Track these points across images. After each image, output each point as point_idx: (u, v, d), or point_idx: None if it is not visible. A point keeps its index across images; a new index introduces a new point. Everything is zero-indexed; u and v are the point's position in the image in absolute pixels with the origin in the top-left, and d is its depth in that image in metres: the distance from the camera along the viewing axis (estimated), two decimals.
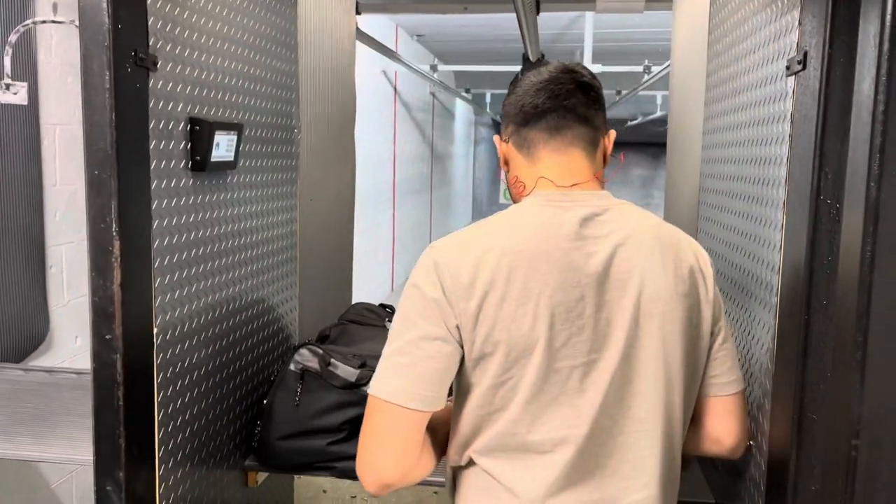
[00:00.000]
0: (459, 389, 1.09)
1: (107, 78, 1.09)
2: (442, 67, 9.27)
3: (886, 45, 0.80)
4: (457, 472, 1.14)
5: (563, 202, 1.08)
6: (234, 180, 1.54)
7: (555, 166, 1.11)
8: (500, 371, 1.03)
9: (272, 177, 1.74)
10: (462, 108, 14.05)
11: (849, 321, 0.86)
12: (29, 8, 2.18)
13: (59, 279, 2.39)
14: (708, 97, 1.72)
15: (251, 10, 1.58)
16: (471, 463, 1.09)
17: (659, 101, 10.70)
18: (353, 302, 2.27)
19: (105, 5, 1.08)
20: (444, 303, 1.02)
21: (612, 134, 1.17)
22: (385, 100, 7.80)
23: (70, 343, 2.44)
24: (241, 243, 1.60)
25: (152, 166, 1.22)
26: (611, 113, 12.77)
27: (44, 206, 2.30)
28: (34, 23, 1.70)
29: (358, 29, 4.92)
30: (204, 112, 1.39)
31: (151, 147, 1.22)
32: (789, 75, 1.10)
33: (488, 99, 13.00)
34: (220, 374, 1.55)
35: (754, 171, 1.29)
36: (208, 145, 1.36)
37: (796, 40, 1.08)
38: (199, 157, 1.35)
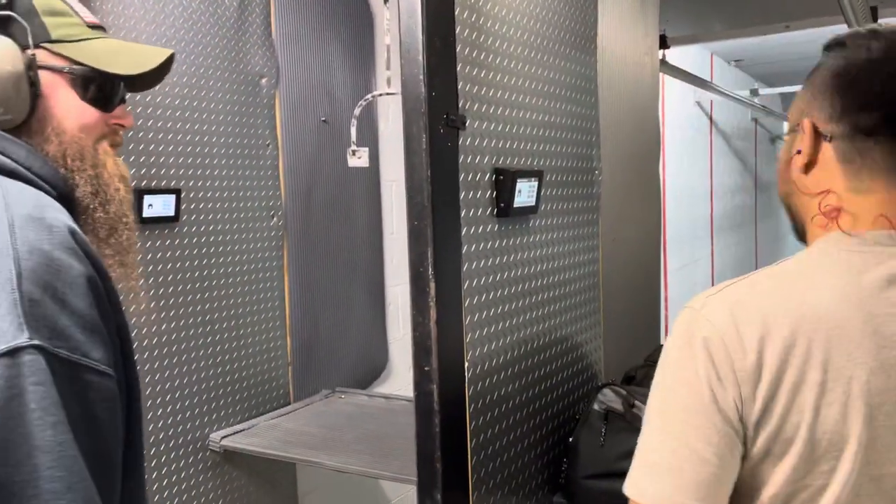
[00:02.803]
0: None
1: (423, 140, 1.25)
2: (764, 91, 8.63)
3: None
4: None
5: (890, 249, 0.79)
6: (536, 224, 1.62)
7: (882, 203, 0.80)
8: (793, 476, 0.78)
9: (573, 219, 1.80)
10: None
11: None
12: (371, 83, 2.57)
13: (395, 316, 2.73)
14: None
15: (551, 62, 1.67)
16: None
17: None
18: (662, 343, 2.21)
19: (422, 77, 1.24)
20: (718, 388, 0.79)
21: None
22: (700, 131, 7.50)
23: (405, 373, 2.75)
24: (544, 283, 1.67)
25: (462, 215, 1.35)
26: None
27: (383, 252, 2.66)
28: (373, 96, 2.00)
29: (666, 62, 4.84)
30: (507, 162, 1.50)
31: (462, 197, 1.35)
32: None
33: None
34: (527, 409, 1.62)
35: None
36: (511, 193, 1.46)
37: None
38: (503, 204, 1.45)
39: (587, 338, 1.90)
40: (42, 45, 0.89)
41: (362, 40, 2.54)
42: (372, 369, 2.65)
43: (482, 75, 1.42)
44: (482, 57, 1.42)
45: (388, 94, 1.87)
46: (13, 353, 0.66)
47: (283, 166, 2.27)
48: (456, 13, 1.32)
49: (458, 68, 1.34)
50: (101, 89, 0.93)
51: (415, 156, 1.26)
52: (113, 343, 0.77)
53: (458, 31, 1.33)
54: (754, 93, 8.09)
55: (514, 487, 1.55)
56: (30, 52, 0.88)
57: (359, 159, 1.96)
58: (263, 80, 2.21)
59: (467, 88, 1.37)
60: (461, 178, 1.35)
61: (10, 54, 0.86)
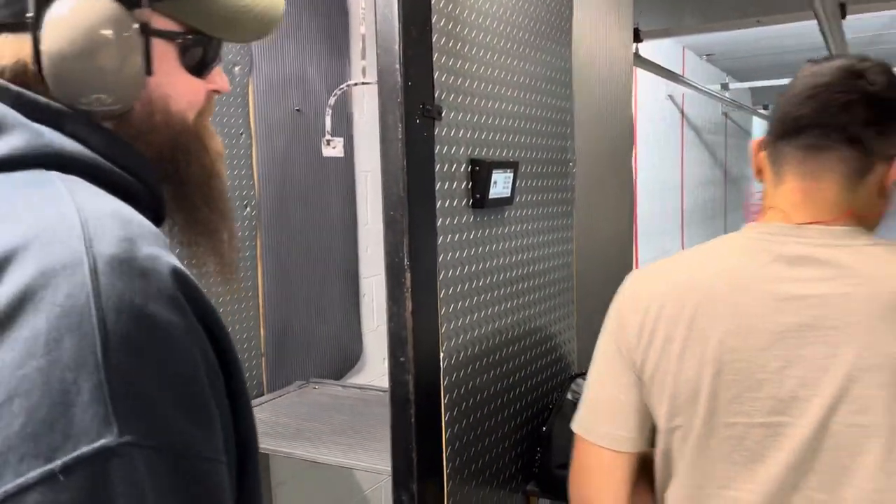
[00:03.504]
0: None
1: (399, 130, 1.24)
2: (735, 85, 8.74)
3: None
4: None
5: (779, 237, 0.92)
6: (511, 215, 1.63)
7: (796, 195, 0.93)
8: (668, 416, 0.96)
9: (548, 210, 1.81)
10: (760, 127, 13.05)
11: None
12: (346, 73, 2.55)
13: (370, 307, 2.72)
14: None
15: (527, 53, 1.68)
16: None
17: None
18: None
19: (398, 66, 1.24)
20: (622, 339, 1.01)
21: None
22: (672, 125, 7.57)
23: (379, 364, 2.75)
24: (519, 274, 1.68)
25: (438, 205, 1.35)
26: None
27: (358, 243, 2.65)
28: (348, 86, 1.98)
29: (639, 56, 4.87)
30: (483, 153, 1.50)
31: (437, 188, 1.35)
32: None
33: None
34: (501, 399, 1.63)
35: None
36: (487, 184, 1.46)
37: None
38: (478, 195, 1.45)
39: (561, 328, 1.92)
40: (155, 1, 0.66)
41: (337, 29, 2.52)
42: (346, 360, 2.65)
43: (458, 65, 1.42)
44: (458, 47, 1.41)
45: (363, 83, 1.86)
46: (99, 457, 0.48)
47: (256, 156, 2.24)
48: (432, 2, 1.31)
49: (435, 58, 1.34)
50: (206, 53, 0.72)
51: (390, 146, 1.25)
52: (221, 410, 0.59)
53: (434, 20, 1.32)
54: (725, 87, 8.19)
55: (488, 477, 1.56)
56: (141, 11, 0.65)
57: (333, 149, 1.95)
58: (237, 69, 2.18)
59: (443, 79, 1.37)
60: (437, 169, 1.35)
61: (115, 15, 0.63)
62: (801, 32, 6.12)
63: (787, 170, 0.95)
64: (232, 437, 0.61)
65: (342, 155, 1.96)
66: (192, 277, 0.59)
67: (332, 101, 1.93)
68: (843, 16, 3.57)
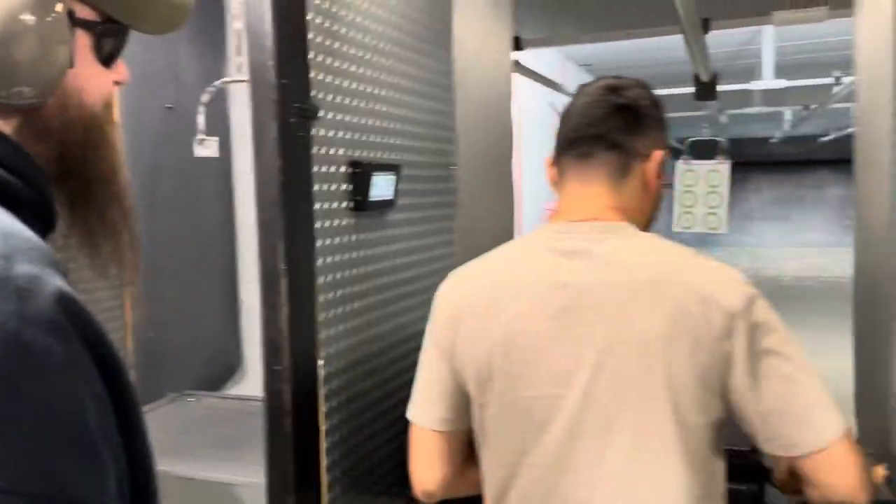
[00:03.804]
0: None
1: (273, 129, 1.19)
2: None
3: None
4: None
5: (558, 234, 1.05)
6: (394, 218, 1.61)
7: (572, 198, 1.09)
8: (475, 394, 1.08)
9: (431, 213, 1.80)
10: None
11: None
12: (223, 69, 2.45)
13: (250, 314, 2.62)
14: None
15: (408, 56, 1.66)
16: None
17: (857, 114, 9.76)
18: None
19: (271, 64, 1.19)
20: (437, 331, 1.14)
21: (657, 156, 1.08)
22: (554, 132, 7.81)
23: (261, 373, 2.65)
24: (402, 278, 1.66)
25: (316, 208, 1.31)
26: (801, 129, 11.88)
27: (236, 247, 2.55)
28: (222, 83, 1.90)
29: (520, 64, 4.98)
30: (363, 154, 1.47)
31: (315, 190, 1.31)
32: None
33: None
34: (384, 404, 1.61)
35: None
36: (367, 186, 1.43)
37: None
38: (359, 198, 1.43)
39: None
40: None
41: (213, 24, 2.41)
42: (224, 370, 2.54)
43: (337, 65, 1.38)
44: (337, 46, 1.38)
45: (237, 81, 1.79)
46: None
47: None
48: None
49: (311, 56, 1.30)
50: (118, 43, 0.70)
51: (264, 146, 1.20)
52: (112, 448, 0.53)
53: (310, 17, 1.28)
54: None
55: (370, 484, 1.53)
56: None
57: (207, 149, 1.86)
58: None
59: (321, 78, 1.33)
60: (315, 170, 1.31)
61: (42, 2, 0.59)
62: (671, 46, 6.48)
63: (568, 177, 1.11)
64: (126, 478, 0.55)
65: (217, 155, 1.88)
66: (80, 300, 0.52)
67: (205, 98, 1.84)
68: (706, 30, 3.79)
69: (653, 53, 7.67)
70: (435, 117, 1.81)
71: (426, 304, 1.83)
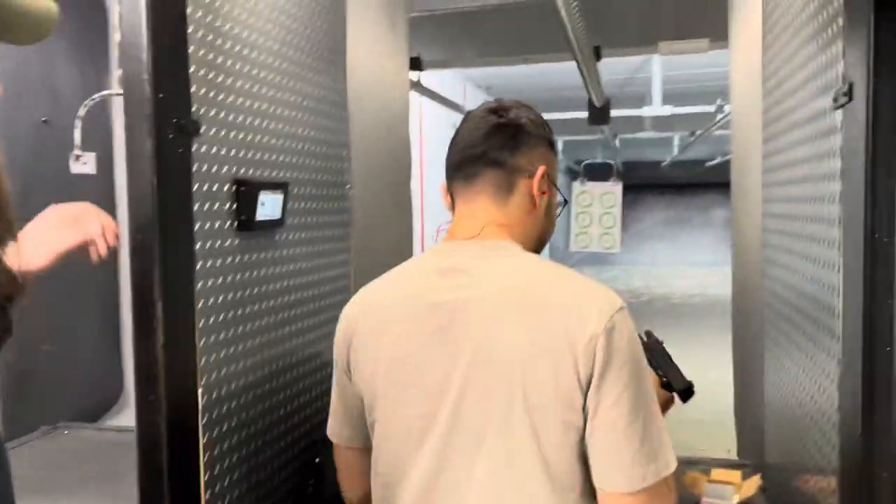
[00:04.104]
0: None
1: (148, 145, 1.13)
2: None
3: None
4: None
5: (443, 254, 1.08)
6: (283, 238, 1.56)
7: (461, 218, 1.11)
8: (368, 412, 1.10)
9: (323, 233, 1.76)
10: None
11: None
12: (105, 82, 2.33)
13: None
14: (765, 135, 1.65)
15: (298, 72, 1.63)
16: None
17: None
18: None
19: (146, 77, 1.13)
20: (337, 351, 1.15)
21: (540, 170, 1.08)
22: None
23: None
24: (293, 300, 1.61)
25: (196, 228, 1.25)
26: (689, 154, 12.52)
27: (118, 269, 2.41)
28: (100, 96, 1.80)
29: (422, 85, 5.02)
30: (249, 172, 1.42)
31: (195, 209, 1.25)
32: (836, 108, 1.04)
33: (560, 146, 12.99)
34: (274, 431, 1.55)
35: (811, 209, 1.22)
36: (253, 205, 1.39)
37: (841, 71, 1.02)
38: (244, 217, 1.37)
39: None
40: None
41: (94, 35, 2.29)
42: (103, 400, 2.39)
43: (221, 80, 1.34)
44: (220, 61, 1.33)
45: (114, 94, 1.70)
46: None
47: None
48: (188, 11, 1.23)
49: (192, 70, 1.24)
50: None
51: (139, 162, 1.14)
52: None
53: (190, 30, 1.23)
54: None
55: None
56: None
57: (84, 165, 1.76)
58: None
59: (203, 92, 1.28)
60: (195, 189, 1.25)
61: None
62: (568, 72, 6.72)
63: (457, 198, 1.13)
64: None
65: (94, 172, 1.77)
66: None
67: (82, 112, 1.74)
68: (598, 58, 3.95)
69: (550, 78, 7.92)
70: (328, 135, 1.78)
71: (321, 326, 1.80)
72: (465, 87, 8.27)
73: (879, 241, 0.91)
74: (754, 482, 1.63)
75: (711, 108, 7.10)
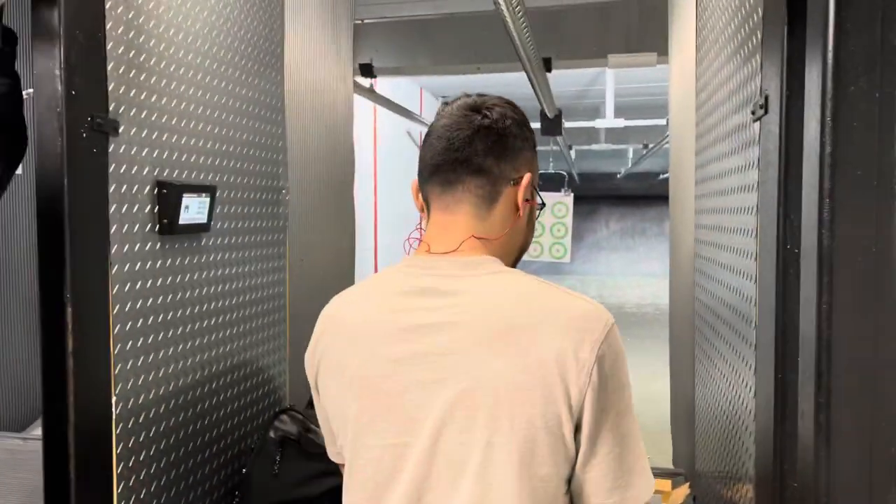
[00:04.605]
0: None
1: (59, 144, 1.09)
2: None
3: (830, 84, 0.75)
4: None
5: (416, 270, 0.97)
6: (209, 243, 1.52)
7: (437, 228, 1.00)
8: (336, 438, 1.02)
9: (256, 238, 1.73)
10: None
11: (811, 382, 0.79)
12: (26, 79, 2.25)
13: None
14: (697, 147, 1.67)
15: (229, 73, 1.59)
16: None
17: None
18: None
19: (58, 72, 1.09)
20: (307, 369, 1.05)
21: (526, 178, 1.00)
22: (410, 160, 7.90)
23: None
24: (220, 306, 1.57)
25: (112, 231, 1.21)
26: (641, 167, 12.73)
27: None
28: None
29: (375, 92, 5.00)
30: (173, 175, 1.38)
31: (112, 211, 1.21)
32: (755, 120, 1.05)
33: None
34: (197, 441, 1.50)
35: (734, 220, 1.23)
36: (176, 208, 1.35)
37: (759, 84, 1.03)
38: (166, 221, 1.34)
39: (271, 361, 1.84)
40: None
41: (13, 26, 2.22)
42: (30, 408, 2.30)
43: (142, 79, 1.30)
44: (142, 59, 1.29)
45: (28, 92, 1.64)
46: None
47: None
48: (107, 7, 1.19)
49: (111, 68, 1.20)
50: None
51: (49, 160, 1.09)
52: None
53: (109, 26, 1.19)
54: None
55: None
56: None
57: None
58: None
59: (122, 91, 1.24)
60: (112, 190, 1.21)
61: None
62: (525, 81, 6.77)
63: (432, 206, 1.00)
64: None
65: (20, 171, 1.70)
66: None
67: None
68: (549, 69, 3.98)
69: (506, 89, 7.97)
70: (263, 138, 1.75)
71: (253, 333, 1.76)
72: (422, 94, 8.27)
73: (790, 253, 0.92)
74: (683, 491, 1.64)
75: (663, 122, 7.22)
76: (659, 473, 1.85)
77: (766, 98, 0.98)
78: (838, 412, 0.76)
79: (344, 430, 0.98)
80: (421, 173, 1.01)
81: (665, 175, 13.07)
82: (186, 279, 1.44)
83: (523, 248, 1.06)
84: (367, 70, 4.34)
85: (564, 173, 9.54)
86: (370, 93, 4.76)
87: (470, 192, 0.97)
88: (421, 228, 1.05)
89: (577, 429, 0.88)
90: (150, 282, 1.32)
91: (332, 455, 1.08)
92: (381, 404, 0.94)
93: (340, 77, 2.34)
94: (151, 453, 1.34)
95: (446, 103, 1.04)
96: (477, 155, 0.96)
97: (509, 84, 7.19)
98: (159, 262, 1.35)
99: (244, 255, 1.67)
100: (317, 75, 2.15)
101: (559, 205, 6.99)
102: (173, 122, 1.39)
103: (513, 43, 3.13)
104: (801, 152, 0.87)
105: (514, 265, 1.04)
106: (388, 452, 0.94)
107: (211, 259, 1.53)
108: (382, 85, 5.38)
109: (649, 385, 6.64)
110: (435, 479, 0.92)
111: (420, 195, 1.03)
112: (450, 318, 0.91)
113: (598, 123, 7.08)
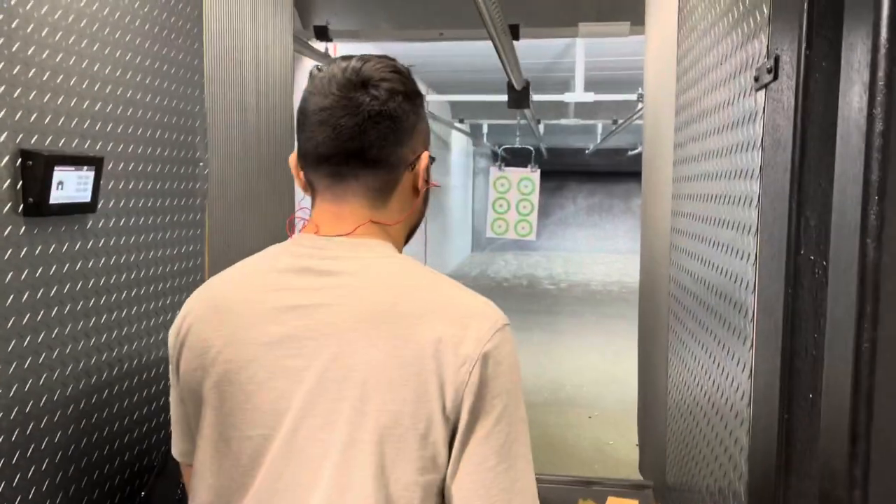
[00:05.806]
0: None
1: None
2: (434, 98, 9.08)
3: (885, 33, 0.53)
4: None
5: (302, 249, 0.89)
6: (96, 226, 1.27)
7: (326, 214, 0.91)
8: (197, 427, 0.92)
9: (163, 219, 1.48)
10: (459, 139, 13.88)
11: (842, 445, 0.58)
12: None
13: None
14: (677, 122, 1.46)
15: (118, 20, 1.33)
16: None
17: None
18: None
19: None
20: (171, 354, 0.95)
21: (424, 157, 0.93)
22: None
23: None
24: (112, 302, 1.33)
25: None
26: (609, 143, 12.60)
27: None
28: None
29: (330, 57, 4.71)
30: (41, 143, 1.12)
31: None
32: (758, 89, 0.83)
33: (485, 129, 12.80)
34: (88, 459, 1.27)
35: (724, 211, 1.02)
36: (46, 184, 1.10)
37: (766, 43, 0.81)
38: (31, 200, 1.08)
39: None
40: None
41: None
42: None
43: (0, 23, 1.04)
44: None
45: None
46: None
47: None
48: None
49: None
50: None
51: None
52: None
53: None
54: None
55: None
56: None
57: None
58: None
59: None
60: None
61: None
62: (493, 51, 6.51)
63: (319, 193, 0.92)
64: None
65: None
66: None
67: None
68: (516, 37, 3.74)
69: (474, 60, 7.69)
70: (170, 101, 1.49)
71: (156, 331, 1.51)
72: None
73: (805, 260, 0.71)
74: None
75: (633, 97, 7.03)
76: (627, 486, 1.66)
77: (777, 59, 0.76)
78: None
79: (201, 419, 0.89)
80: (303, 157, 0.91)
81: (634, 151, 12.95)
82: (65, 270, 1.19)
83: (417, 225, 1.00)
84: (322, 33, 4.06)
85: (531, 148, 9.31)
86: (325, 58, 4.48)
87: (365, 185, 0.89)
88: (305, 207, 0.96)
89: (453, 434, 0.81)
90: (14, 274, 1.08)
91: (178, 454, 0.99)
92: (244, 391, 0.86)
93: (278, 35, 2.07)
94: (31, 475, 1.10)
95: (319, 69, 0.91)
96: (371, 147, 0.87)
97: (479, 55, 6.94)
98: (25, 250, 1.10)
99: (144, 239, 1.42)
100: (246, 29, 1.88)
101: (525, 180, 6.79)
102: (45, 79, 1.13)
103: (477, 7, 2.89)
104: (828, 130, 0.66)
105: (405, 242, 0.98)
106: (245, 445, 0.85)
107: (100, 245, 1.28)
108: (343, 52, 5.09)
109: (614, 366, 6.55)
110: (288, 479, 0.83)
111: (302, 174, 0.93)
112: (328, 301, 0.84)
113: (568, 97, 6.88)
